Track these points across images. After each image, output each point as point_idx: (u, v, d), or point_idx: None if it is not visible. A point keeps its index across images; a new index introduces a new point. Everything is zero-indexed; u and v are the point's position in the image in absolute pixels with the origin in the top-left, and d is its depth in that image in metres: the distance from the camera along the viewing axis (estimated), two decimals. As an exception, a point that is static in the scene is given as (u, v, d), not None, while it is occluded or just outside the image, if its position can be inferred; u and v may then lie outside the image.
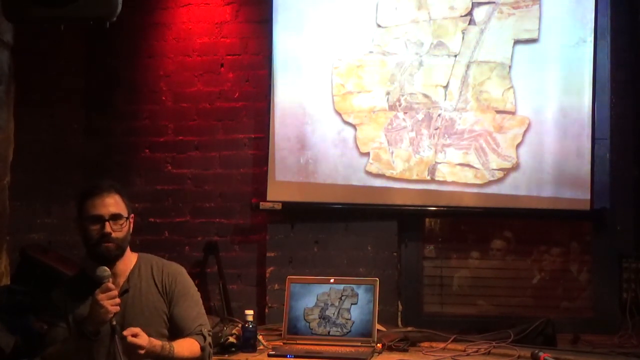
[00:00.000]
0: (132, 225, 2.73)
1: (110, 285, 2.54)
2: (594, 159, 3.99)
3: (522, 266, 4.27)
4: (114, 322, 2.54)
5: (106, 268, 2.57)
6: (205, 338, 2.74)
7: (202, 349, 2.72)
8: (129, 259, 2.75)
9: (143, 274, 2.74)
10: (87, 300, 2.62)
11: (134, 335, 2.52)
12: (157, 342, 2.59)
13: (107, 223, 2.65)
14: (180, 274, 2.80)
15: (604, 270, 4.13)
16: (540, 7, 4.06)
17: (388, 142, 4.21)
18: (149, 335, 2.62)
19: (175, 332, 2.72)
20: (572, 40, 4.03)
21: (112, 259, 2.67)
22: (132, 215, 2.74)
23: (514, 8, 4.08)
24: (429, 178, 4.15)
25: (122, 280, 2.71)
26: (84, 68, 4.66)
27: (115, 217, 2.67)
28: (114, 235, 2.65)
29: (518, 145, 4.06)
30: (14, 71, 3.75)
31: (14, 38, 3.71)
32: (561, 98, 4.03)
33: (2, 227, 3.71)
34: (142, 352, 2.53)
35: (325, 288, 3.65)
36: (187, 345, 2.68)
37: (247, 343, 3.44)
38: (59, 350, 2.61)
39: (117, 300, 2.53)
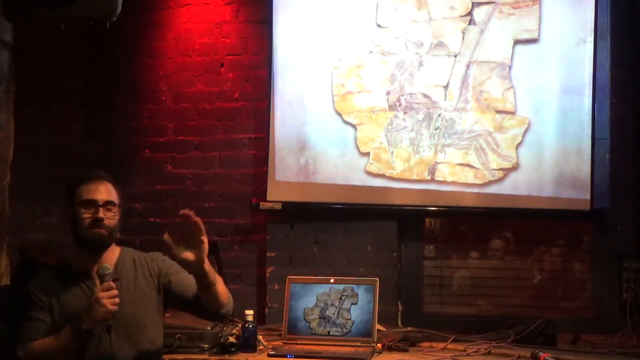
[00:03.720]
0: (120, 217, 2.73)
1: (112, 283, 2.54)
2: (594, 159, 3.99)
3: (522, 266, 4.27)
4: (110, 322, 2.55)
5: (108, 266, 2.58)
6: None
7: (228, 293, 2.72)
8: (114, 250, 2.78)
9: (127, 264, 2.77)
10: (71, 293, 2.63)
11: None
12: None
13: (100, 208, 2.66)
14: (161, 256, 2.82)
15: (604, 270, 4.13)
16: (540, 7, 4.06)
17: (388, 142, 4.21)
18: (143, 322, 2.67)
19: (189, 300, 2.72)
20: (572, 40, 4.03)
21: (101, 247, 2.69)
22: (121, 207, 2.75)
23: (514, 8, 4.08)
24: (429, 178, 4.16)
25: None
26: (84, 68, 4.66)
27: (109, 203, 2.69)
28: (106, 221, 2.66)
29: (518, 145, 4.07)
30: (14, 71, 3.75)
31: (14, 38, 3.71)
32: (561, 98, 4.03)
33: (2, 227, 3.70)
34: (203, 239, 2.55)
35: (325, 288, 3.65)
36: (223, 284, 2.68)
37: (247, 343, 3.44)
38: (47, 346, 2.60)
39: (117, 299, 2.54)
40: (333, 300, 3.61)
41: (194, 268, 2.53)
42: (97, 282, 2.62)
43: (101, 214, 2.66)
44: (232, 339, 3.42)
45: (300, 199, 4.29)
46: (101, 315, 2.52)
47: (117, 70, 4.64)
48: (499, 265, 4.30)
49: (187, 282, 2.73)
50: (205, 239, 2.54)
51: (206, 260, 2.56)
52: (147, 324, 2.73)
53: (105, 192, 2.70)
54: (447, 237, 4.37)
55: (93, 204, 2.66)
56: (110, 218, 2.69)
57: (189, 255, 2.51)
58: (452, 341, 3.57)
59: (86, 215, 2.66)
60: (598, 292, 4.15)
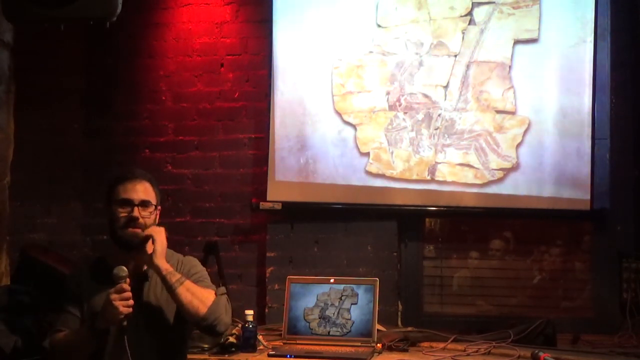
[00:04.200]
0: (158, 217, 2.76)
1: (125, 286, 2.52)
2: (594, 159, 3.99)
3: (522, 266, 4.27)
4: (125, 323, 2.53)
5: (124, 268, 2.55)
6: (216, 293, 2.72)
7: (218, 298, 2.69)
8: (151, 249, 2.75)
9: None
10: (103, 289, 2.61)
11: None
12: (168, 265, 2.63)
13: (136, 207, 2.67)
14: (195, 263, 2.84)
15: (604, 270, 4.13)
16: (540, 7, 4.06)
17: (388, 142, 4.21)
18: (161, 325, 2.66)
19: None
20: (572, 40, 4.03)
21: (136, 245, 2.67)
22: (159, 207, 2.77)
23: (514, 8, 4.08)
24: (429, 178, 4.16)
25: (143, 269, 2.72)
26: (84, 68, 4.66)
27: (145, 203, 2.69)
28: (141, 220, 2.67)
29: (518, 145, 4.07)
30: (14, 71, 3.75)
31: (14, 38, 3.71)
32: (561, 98, 4.03)
33: (2, 227, 3.71)
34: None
35: (325, 288, 3.65)
36: (201, 288, 2.67)
37: (247, 343, 3.43)
38: (69, 340, 2.62)
39: (130, 302, 2.52)
40: (333, 300, 3.61)
41: (146, 260, 2.62)
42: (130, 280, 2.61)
43: (136, 212, 2.66)
44: (232, 339, 3.42)
45: (300, 199, 4.29)
46: (114, 317, 2.51)
47: (117, 70, 4.64)
48: (499, 265, 4.30)
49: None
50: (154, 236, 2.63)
51: (160, 258, 2.62)
52: (170, 326, 2.71)
53: (142, 191, 2.70)
54: (447, 237, 4.37)
55: (129, 203, 2.67)
56: (146, 217, 2.69)
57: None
58: (452, 341, 3.57)
59: (122, 214, 2.66)
60: (598, 292, 4.15)
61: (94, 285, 2.68)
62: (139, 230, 2.66)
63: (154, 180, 2.78)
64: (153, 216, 2.72)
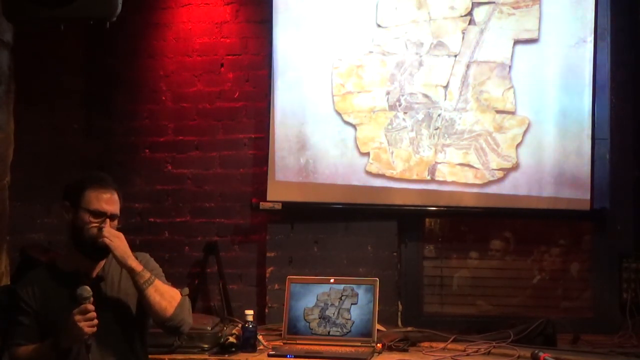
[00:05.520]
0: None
1: (90, 306, 2.51)
2: (594, 159, 3.99)
3: (522, 266, 4.26)
4: (89, 342, 2.53)
5: (88, 288, 2.53)
6: (182, 294, 2.74)
7: (182, 300, 2.71)
8: None
9: (114, 263, 2.73)
10: (60, 295, 2.62)
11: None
12: (138, 264, 2.63)
13: (107, 220, 2.67)
14: (149, 259, 2.83)
15: (604, 270, 4.13)
16: (540, 7, 4.06)
17: (388, 142, 4.21)
18: (122, 321, 2.67)
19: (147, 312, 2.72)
20: (572, 40, 4.03)
21: (105, 256, 2.69)
22: None
23: (514, 8, 4.08)
24: (429, 178, 4.16)
25: (97, 270, 2.72)
26: (84, 68, 4.66)
27: (114, 217, 2.70)
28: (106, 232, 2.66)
29: (518, 145, 4.07)
30: (14, 71, 3.75)
31: (14, 38, 3.71)
32: (561, 98, 4.03)
33: (2, 227, 3.70)
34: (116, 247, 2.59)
35: (325, 288, 3.65)
36: (170, 290, 2.69)
37: (247, 343, 3.44)
38: (30, 357, 2.60)
39: (95, 322, 2.51)
40: (333, 300, 3.61)
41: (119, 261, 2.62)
42: (86, 283, 2.61)
43: (107, 225, 2.66)
44: (232, 339, 3.43)
45: (300, 199, 4.29)
46: (78, 337, 2.51)
47: (117, 70, 4.64)
48: (499, 265, 4.30)
49: None
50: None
51: (130, 259, 2.63)
52: (129, 324, 2.72)
53: (113, 203, 2.70)
54: (447, 237, 4.37)
55: (102, 216, 2.66)
56: (112, 228, 2.69)
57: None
58: (452, 341, 3.58)
59: (93, 224, 2.65)
60: (598, 292, 4.15)
61: (49, 290, 2.67)
62: (105, 240, 2.65)
63: (120, 190, 2.76)
64: (117, 227, 2.72)
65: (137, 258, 2.77)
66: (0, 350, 2.73)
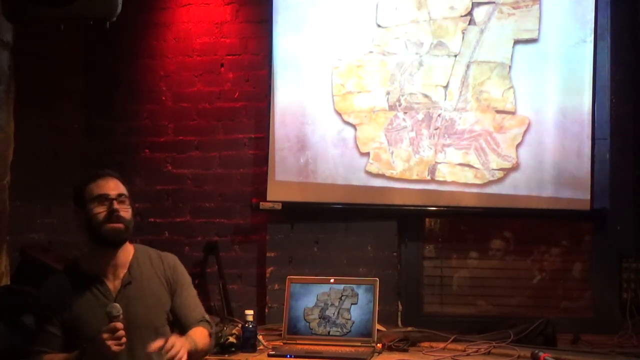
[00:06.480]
0: (133, 212, 2.71)
1: (118, 324, 2.47)
2: (594, 159, 3.99)
3: (522, 266, 4.26)
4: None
5: (117, 306, 2.49)
6: (210, 325, 2.78)
7: (210, 335, 2.76)
8: (129, 249, 2.73)
9: (142, 264, 2.72)
10: (82, 297, 2.59)
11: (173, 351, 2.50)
12: (189, 343, 2.59)
13: (114, 201, 2.62)
14: (178, 264, 2.82)
15: (604, 270, 4.13)
16: (540, 7, 4.06)
17: (388, 142, 4.21)
18: (156, 325, 2.65)
19: (177, 321, 2.72)
20: (572, 40, 4.03)
21: (120, 242, 2.64)
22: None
23: (514, 8, 4.08)
24: (429, 178, 4.16)
25: (123, 271, 2.68)
26: (84, 68, 4.66)
27: (121, 196, 2.65)
28: (122, 213, 2.61)
29: (518, 145, 4.07)
30: (14, 71, 3.75)
31: (14, 38, 3.71)
32: (561, 98, 4.03)
33: (2, 227, 3.70)
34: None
35: (325, 288, 3.65)
36: (201, 336, 2.70)
37: (247, 343, 3.43)
38: None
39: (123, 340, 2.47)
40: (333, 300, 3.61)
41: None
42: (110, 285, 2.63)
43: (116, 205, 2.61)
44: (232, 339, 3.42)
45: (300, 199, 4.29)
46: (106, 356, 2.47)
47: (117, 70, 4.64)
48: (499, 265, 4.30)
49: (189, 307, 2.75)
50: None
51: (184, 346, 2.56)
52: (160, 328, 2.69)
53: (115, 185, 2.66)
54: (447, 237, 4.37)
55: (106, 198, 2.62)
56: (125, 210, 2.64)
57: None
58: (452, 341, 3.57)
59: (100, 210, 2.60)
60: (598, 292, 4.15)
61: (72, 294, 2.63)
62: (120, 225, 2.61)
63: (123, 178, 2.74)
64: (130, 209, 2.67)
65: (165, 260, 2.78)
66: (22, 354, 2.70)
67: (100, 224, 2.60)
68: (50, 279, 2.75)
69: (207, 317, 2.80)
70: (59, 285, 2.67)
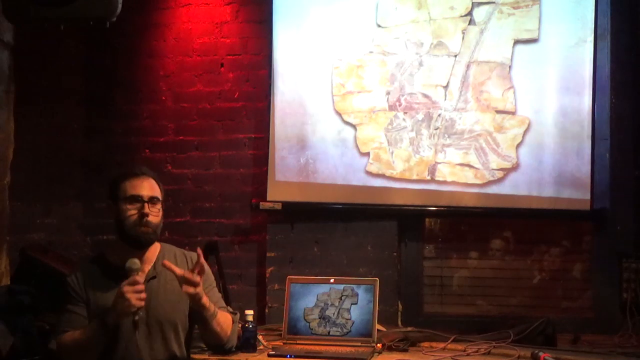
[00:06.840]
0: (163, 213, 2.75)
1: (138, 278, 2.52)
2: (594, 159, 3.99)
3: (522, 266, 4.26)
4: (137, 318, 2.53)
5: (137, 261, 2.55)
6: (235, 320, 2.82)
7: (234, 321, 2.80)
8: (155, 247, 2.77)
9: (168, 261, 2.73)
10: (107, 287, 2.61)
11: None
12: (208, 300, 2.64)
13: (145, 204, 2.65)
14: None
15: (604, 270, 4.13)
16: (540, 7, 4.06)
17: (388, 142, 4.21)
18: (176, 322, 2.68)
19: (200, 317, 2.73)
20: (572, 40, 4.03)
21: (147, 244, 2.68)
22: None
23: (514, 8, 4.08)
24: (429, 178, 4.16)
25: (148, 266, 2.71)
26: (84, 68, 4.66)
27: (153, 200, 2.69)
28: (151, 218, 2.65)
29: (518, 145, 4.07)
30: (14, 71, 3.75)
31: (14, 38, 3.72)
32: (561, 98, 4.03)
33: (2, 227, 3.71)
34: (193, 290, 2.56)
35: (325, 288, 3.64)
36: (225, 316, 2.75)
37: (247, 343, 3.43)
38: (77, 339, 2.58)
39: (143, 295, 2.50)
40: (333, 300, 3.61)
41: (193, 300, 2.61)
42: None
43: (146, 209, 2.65)
44: (232, 339, 3.42)
45: (300, 199, 4.29)
46: (125, 310, 2.49)
47: (117, 70, 4.64)
48: (499, 265, 4.30)
49: (214, 304, 2.75)
50: (198, 279, 2.59)
51: (204, 294, 2.63)
52: (180, 325, 2.72)
53: (149, 187, 2.70)
54: (447, 237, 4.37)
55: (138, 200, 2.66)
56: (155, 214, 2.68)
57: (188, 288, 2.56)
58: (452, 341, 3.57)
59: (132, 211, 2.64)
60: (598, 292, 4.15)
61: (99, 282, 2.67)
62: (149, 229, 2.66)
63: (158, 177, 2.78)
64: (161, 213, 2.72)
65: (190, 259, 2.79)
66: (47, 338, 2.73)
67: (130, 226, 2.65)
68: (76, 267, 2.84)
69: (229, 309, 2.85)
70: (87, 273, 2.71)
